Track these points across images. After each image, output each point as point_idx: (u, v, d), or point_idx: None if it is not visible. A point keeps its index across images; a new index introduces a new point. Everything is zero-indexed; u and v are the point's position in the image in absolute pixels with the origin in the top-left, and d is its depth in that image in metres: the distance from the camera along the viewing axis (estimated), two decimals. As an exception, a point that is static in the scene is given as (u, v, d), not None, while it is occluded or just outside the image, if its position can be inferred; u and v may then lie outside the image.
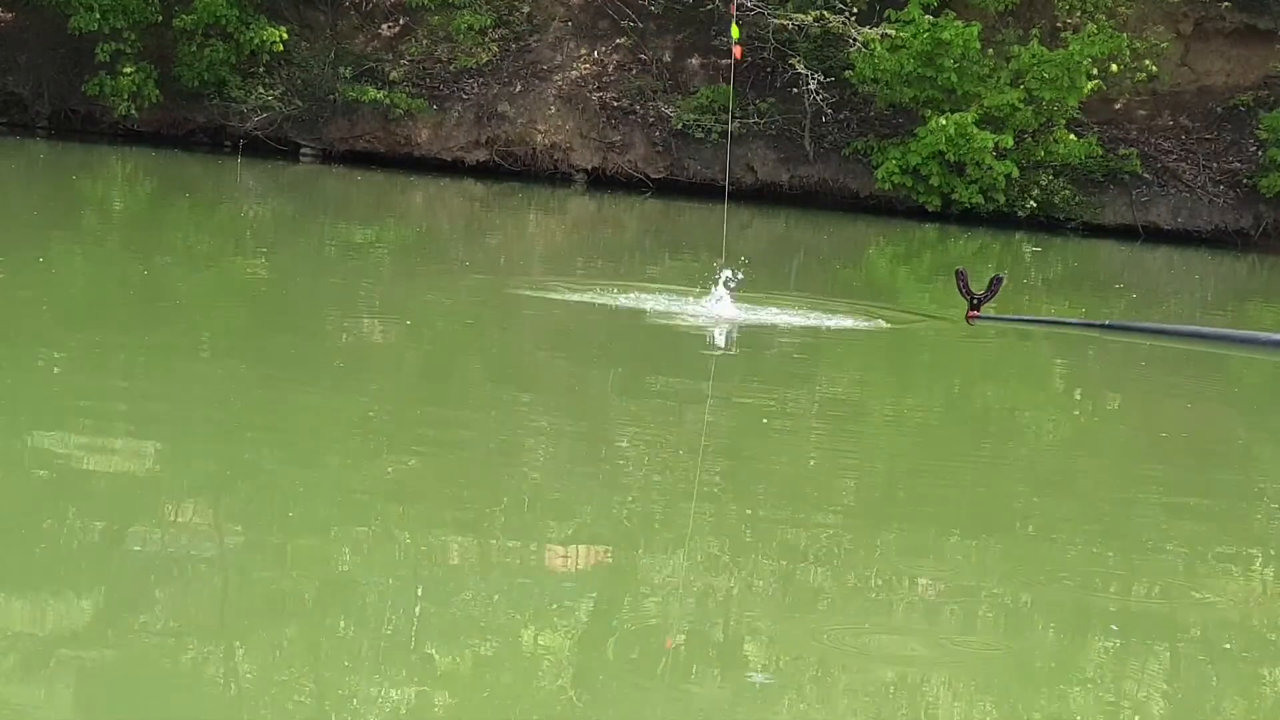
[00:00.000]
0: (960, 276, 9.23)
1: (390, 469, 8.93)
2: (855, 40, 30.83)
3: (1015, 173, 29.76)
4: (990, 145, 29.43)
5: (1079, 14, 31.28)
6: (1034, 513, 9.39)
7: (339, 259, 19.01)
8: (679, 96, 32.09)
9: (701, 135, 31.40)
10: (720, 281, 14.86)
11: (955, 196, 29.95)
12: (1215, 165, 31.02)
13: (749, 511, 8.71)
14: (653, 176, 31.66)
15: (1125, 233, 30.40)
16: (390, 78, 32.49)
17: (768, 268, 22.75)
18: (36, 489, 7.84)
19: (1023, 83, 30.11)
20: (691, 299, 15.35)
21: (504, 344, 13.79)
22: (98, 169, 28.71)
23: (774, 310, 15.63)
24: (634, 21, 32.89)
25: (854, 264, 25.01)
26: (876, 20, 30.99)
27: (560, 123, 32.12)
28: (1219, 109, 31.63)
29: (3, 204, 21.69)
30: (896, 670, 6.48)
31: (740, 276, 14.91)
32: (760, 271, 19.27)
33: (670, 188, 31.29)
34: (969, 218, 29.96)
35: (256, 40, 31.84)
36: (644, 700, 6.01)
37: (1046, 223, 30.23)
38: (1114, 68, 30.78)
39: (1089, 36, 30.34)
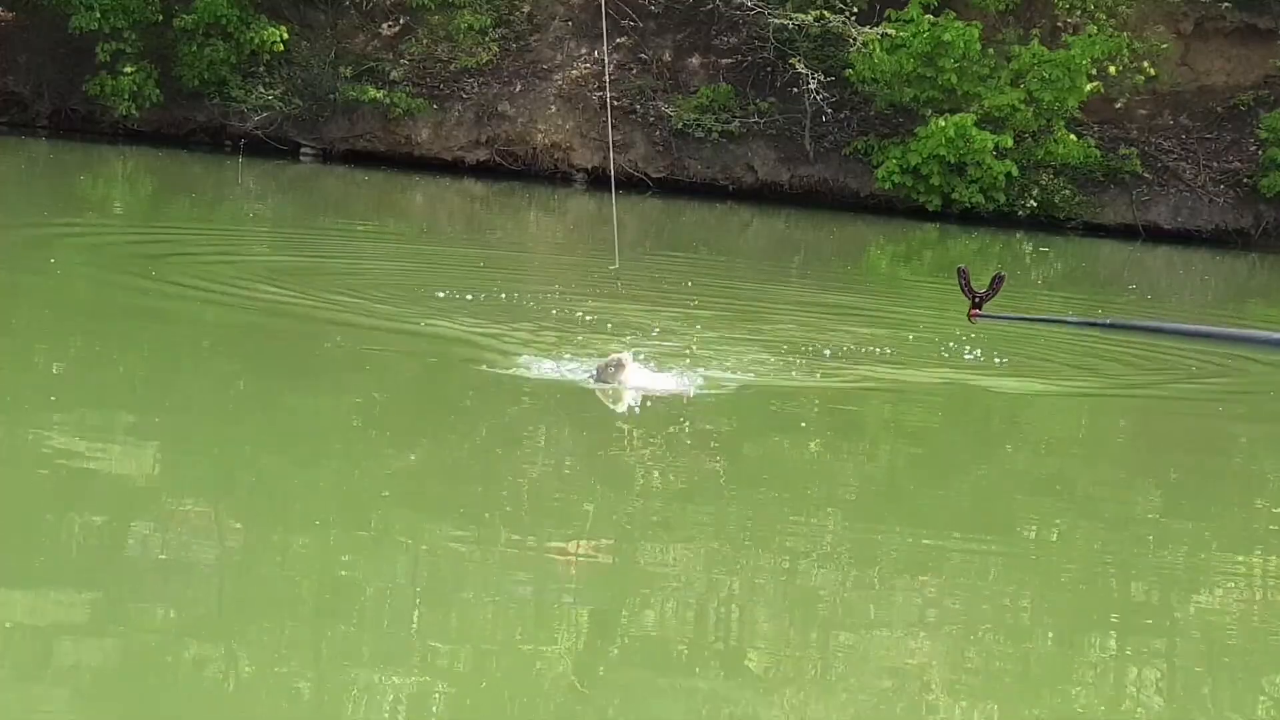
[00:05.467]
0: (962, 275, 9.20)
1: (391, 468, 8.94)
2: (855, 40, 30.83)
3: (1015, 172, 29.77)
4: (990, 146, 29.43)
5: (1079, 14, 31.27)
6: (1034, 513, 9.39)
7: (346, 256, 18.99)
8: (679, 96, 32.09)
9: (702, 135, 31.40)
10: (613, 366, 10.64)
11: (955, 196, 29.94)
12: (1215, 165, 31.02)
13: (750, 512, 8.71)
14: (653, 176, 31.66)
15: (1125, 232, 30.39)
16: (390, 77, 32.49)
17: (769, 267, 22.77)
18: (37, 488, 7.84)
19: (1023, 83, 30.11)
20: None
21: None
22: (99, 168, 28.71)
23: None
24: (634, 21, 32.89)
25: (855, 263, 25.00)
26: (876, 20, 30.99)
27: (560, 122, 32.12)
28: (1219, 109, 31.62)
29: (6, 204, 21.69)
30: (897, 670, 6.49)
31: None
32: (761, 270, 19.29)
33: (671, 187, 31.29)
34: (969, 217, 29.95)
35: (257, 40, 31.84)
36: (644, 699, 6.01)
37: (1047, 222, 30.22)
38: (1112, 69, 30.78)
39: (1089, 37, 30.35)
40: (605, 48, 31.41)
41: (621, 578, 7.44)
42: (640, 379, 10.60)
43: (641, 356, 11.01)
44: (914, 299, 20.36)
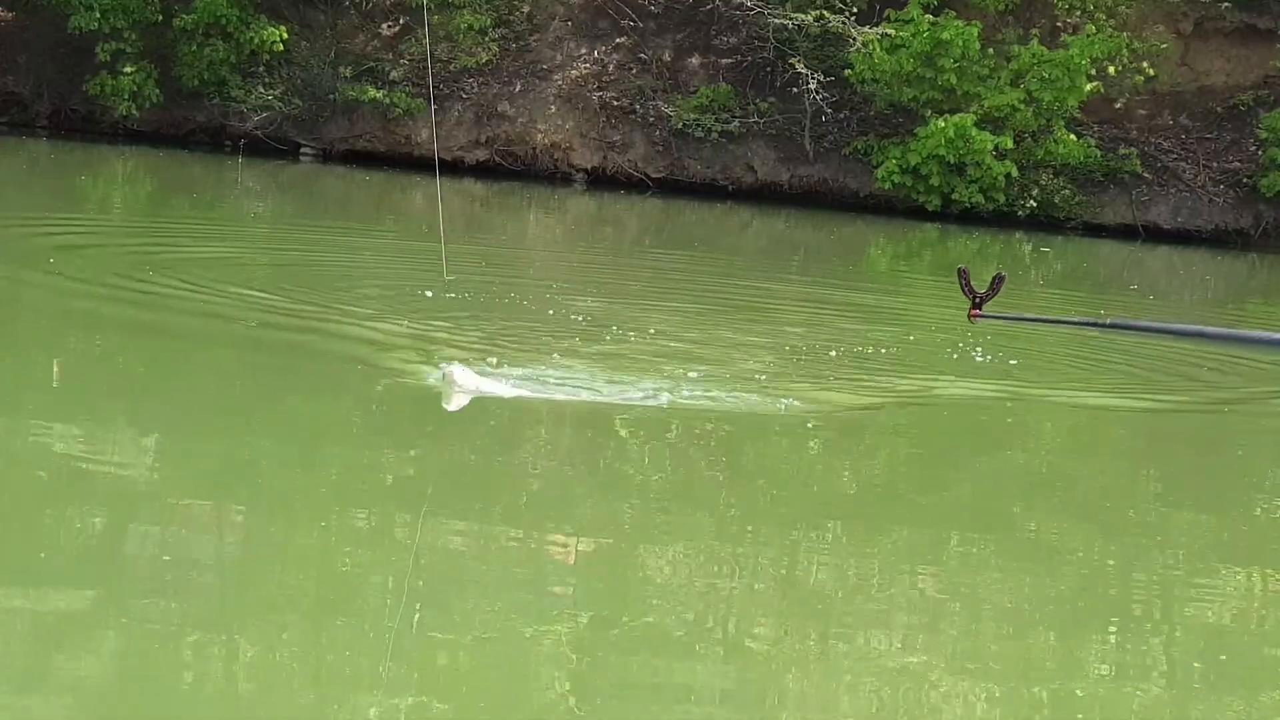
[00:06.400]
0: (962, 275, 9.19)
1: (390, 468, 8.94)
2: (855, 40, 30.84)
3: (1015, 172, 29.78)
4: (990, 146, 29.44)
5: (1079, 14, 31.29)
6: (1034, 512, 9.40)
7: (344, 259, 18.99)
8: (679, 96, 32.09)
9: (702, 135, 31.40)
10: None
11: (955, 196, 29.95)
12: (1215, 165, 31.02)
13: (749, 512, 8.72)
14: (653, 176, 31.67)
15: (1125, 232, 30.40)
16: (390, 77, 32.50)
17: (769, 266, 22.75)
18: (37, 487, 7.84)
19: (1023, 83, 30.12)
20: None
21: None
22: (99, 168, 28.71)
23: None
24: (634, 21, 32.89)
25: (855, 263, 25.00)
26: (876, 20, 31.00)
27: (560, 122, 32.13)
28: (1219, 109, 31.63)
29: (6, 203, 21.70)
30: (897, 670, 6.49)
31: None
32: (761, 270, 19.25)
33: (671, 187, 31.29)
34: (969, 217, 29.95)
35: (256, 40, 31.85)
36: (644, 698, 6.01)
37: (1046, 222, 30.22)
38: (1112, 70, 30.79)
39: (1089, 37, 30.35)
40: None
41: (621, 576, 7.44)
42: (476, 383, 10.20)
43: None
44: (917, 298, 20.36)
